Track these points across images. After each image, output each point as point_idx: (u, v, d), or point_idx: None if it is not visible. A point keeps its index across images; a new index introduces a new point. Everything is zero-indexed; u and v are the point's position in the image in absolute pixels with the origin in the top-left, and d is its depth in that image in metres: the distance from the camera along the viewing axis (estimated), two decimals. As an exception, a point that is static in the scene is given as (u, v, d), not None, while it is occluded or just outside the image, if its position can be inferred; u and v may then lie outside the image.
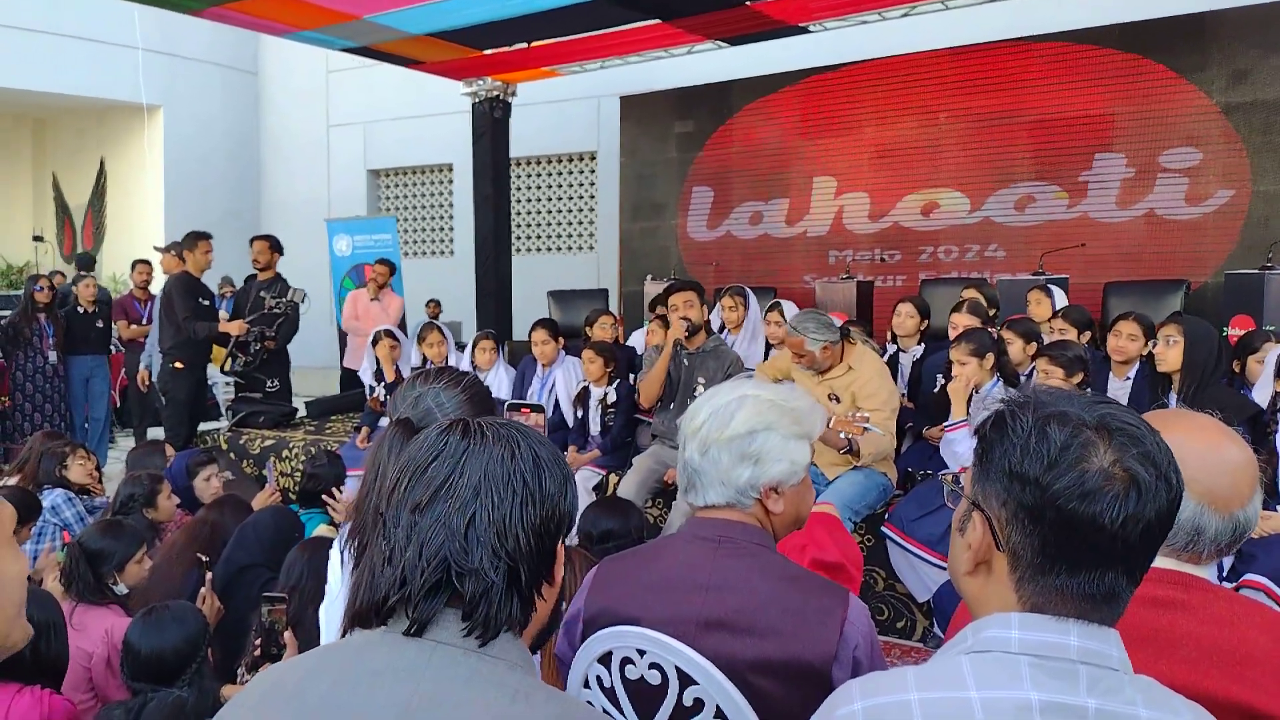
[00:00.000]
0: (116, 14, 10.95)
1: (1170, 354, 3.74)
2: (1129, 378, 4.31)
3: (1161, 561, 1.33)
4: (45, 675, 2.13)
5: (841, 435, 3.80)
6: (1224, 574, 3.35)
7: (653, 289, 7.92)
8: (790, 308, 5.63)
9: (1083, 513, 0.95)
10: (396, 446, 1.31)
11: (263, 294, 6.61)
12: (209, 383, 6.52)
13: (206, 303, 6.41)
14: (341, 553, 1.35)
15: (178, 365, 6.18)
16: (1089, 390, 3.83)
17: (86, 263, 9.59)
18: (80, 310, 7.64)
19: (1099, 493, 0.95)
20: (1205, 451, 1.32)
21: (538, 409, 4.94)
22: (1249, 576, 3.24)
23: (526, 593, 1.01)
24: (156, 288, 7.33)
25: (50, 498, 4.14)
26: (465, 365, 5.97)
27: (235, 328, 6.25)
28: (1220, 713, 1.17)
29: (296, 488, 5.41)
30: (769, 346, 5.67)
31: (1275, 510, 3.43)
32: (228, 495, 3.68)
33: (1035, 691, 0.93)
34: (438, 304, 10.85)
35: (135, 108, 12.56)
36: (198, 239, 6.36)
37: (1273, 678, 1.19)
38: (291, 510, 3.66)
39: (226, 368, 6.41)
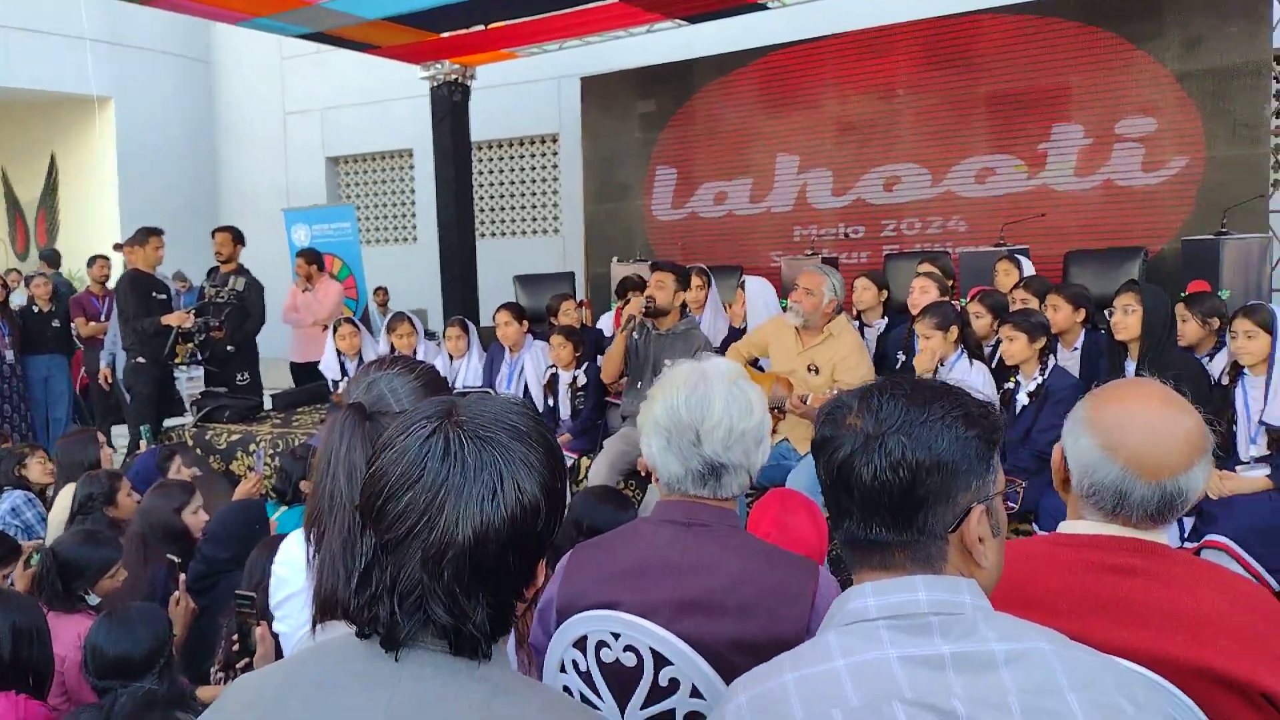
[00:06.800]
0: (63, 4, 10.70)
1: (1129, 322, 3.80)
2: (1076, 348, 4.43)
3: (1109, 528, 1.36)
4: (25, 681, 2.11)
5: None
6: (1186, 535, 3.43)
7: (619, 270, 7.89)
8: (760, 282, 5.65)
9: (820, 463, 1.14)
10: (348, 432, 1.30)
11: (202, 285, 6.55)
12: (173, 377, 6.42)
13: (163, 297, 6.32)
14: (307, 545, 1.33)
15: (140, 360, 6.11)
16: (1052, 357, 3.90)
17: (51, 258, 9.44)
18: (36, 309, 7.49)
19: (823, 445, 1.13)
20: (1142, 420, 1.35)
21: (484, 395, 4.93)
22: (1211, 537, 3.32)
23: (508, 610, 0.99)
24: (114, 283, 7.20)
25: (10, 499, 4.07)
26: (438, 355, 5.92)
27: (176, 319, 6.18)
28: (1182, 675, 1.20)
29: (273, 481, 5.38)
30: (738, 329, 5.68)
31: (1234, 471, 3.52)
32: (152, 495, 3.53)
33: (894, 649, 1.00)
34: (385, 291, 10.75)
35: (85, 100, 12.27)
36: (149, 234, 6.28)
37: (1232, 638, 1.22)
38: (258, 503, 3.62)
39: (179, 359, 6.32)
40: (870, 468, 1.06)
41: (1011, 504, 3.66)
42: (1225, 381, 3.68)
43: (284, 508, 3.74)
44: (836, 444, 1.10)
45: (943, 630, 1.00)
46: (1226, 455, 3.56)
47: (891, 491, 1.05)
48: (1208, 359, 4.04)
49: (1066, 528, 1.41)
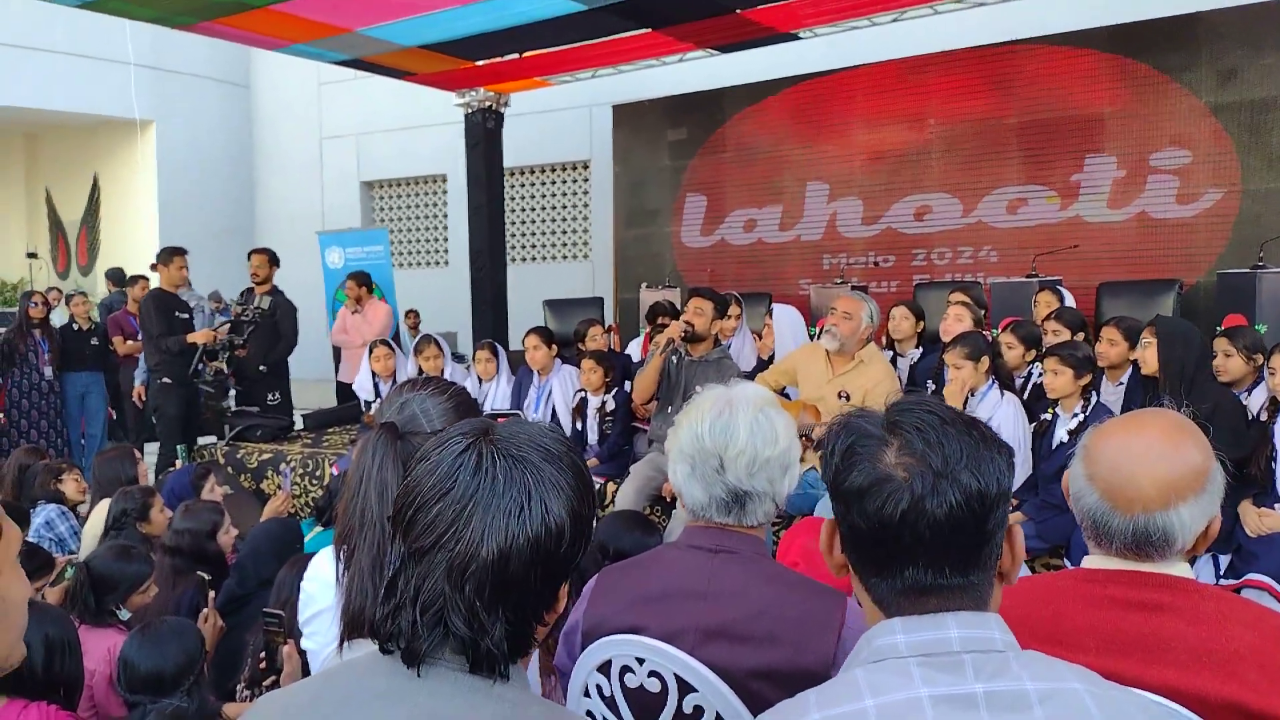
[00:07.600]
0: (108, 29, 10.95)
1: (1147, 355, 3.77)
2: (1121, 383, 4.33)
3: (1129, 563, 1.34)
4: (56, 693, 2.13)
5: None
6: (1223, 572, 3.37)
7: (648, 296, 7.92)
8: (788, 311, 5.64)
9: (867, 511, 1.01)
10: (381, 451, 1.31)
11: (229, 302, 6.64)
12: (199, 395, 6.48)
13: (185, 316, 6.40)
14: (337, 563, 1.35)
15: (165, 381, 6.18)
16: (1095, 394, 3.82)
17: (117, 277, 9.67)
18: (75, 327, 7.64)
19: (874, 490, 1.01)
20: (1125, 451, 1.33)
21: (512, 417, 4.96)
22: (1251, 576, 3.25)
23: (528, 631, 1.00)
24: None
25: (44, 512, 4.13)
26: (467, 378, 5.96)
27: (201, 337, 6.26)
28: (1213, 712, 1.17)
29: (310, 500, 5.41)
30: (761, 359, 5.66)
31: (1273, 509, 3.45)
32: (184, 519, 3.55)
33: (925, 688, 0.96)
34: (417, 314, 10.83)
35: (128, 123, 12.57)
36: (173, 254, 6.41)
37: (1261, 673, 1.20)
38: (295, 521, 3.64)
39: (211, 376, 6.39)
40: (944, 506, 0.99)
41: None
42: (1264, 418, 3.62)
43: (319, 528, 3.76)
44: (892, 489, 1.00)
45: (976, 669, 0.97)
46: (1265, 492, 3.49)
47: (966, 528, 1.00)
48: (1245, 394, 3.97)
49: (1090, 563, 1.40)
